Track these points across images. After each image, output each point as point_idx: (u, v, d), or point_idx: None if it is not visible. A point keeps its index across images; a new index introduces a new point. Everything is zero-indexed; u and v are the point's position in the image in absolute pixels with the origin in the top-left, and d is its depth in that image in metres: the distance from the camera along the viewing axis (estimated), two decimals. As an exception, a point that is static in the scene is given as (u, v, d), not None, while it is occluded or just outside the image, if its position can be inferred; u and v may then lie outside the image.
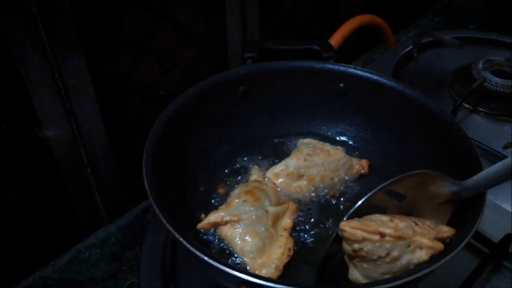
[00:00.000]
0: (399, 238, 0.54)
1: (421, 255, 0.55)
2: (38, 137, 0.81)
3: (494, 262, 0.79)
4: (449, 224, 0.63)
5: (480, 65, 1.10)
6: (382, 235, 0.54)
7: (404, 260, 0.55)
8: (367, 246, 0.55)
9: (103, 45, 0.82)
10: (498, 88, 1.06)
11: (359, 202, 0.59)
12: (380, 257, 0.55)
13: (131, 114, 0.94)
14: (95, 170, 0.90)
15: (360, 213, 0.60)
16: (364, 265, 0.57)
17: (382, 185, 0.59)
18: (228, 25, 1.00)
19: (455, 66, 1.19)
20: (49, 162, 0.85)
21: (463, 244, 0.54)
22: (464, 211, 0.62)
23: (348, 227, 0.55)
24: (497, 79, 1.07)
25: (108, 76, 0.85)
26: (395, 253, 0.55)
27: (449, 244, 0.58)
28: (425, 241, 0.55)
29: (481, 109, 1.07)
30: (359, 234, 0.54)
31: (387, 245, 0.54)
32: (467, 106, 1.08)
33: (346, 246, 0.57)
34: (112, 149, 0.91)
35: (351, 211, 0.59)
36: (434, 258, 0.56)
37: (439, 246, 0.56)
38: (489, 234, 0.80)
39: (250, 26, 1.04)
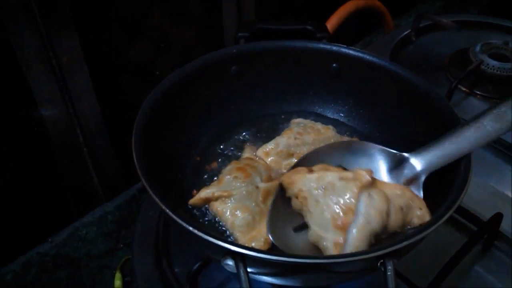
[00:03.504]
0: (327, 169, 0.59)
1: (351, 187, 0.57)
2: (33, 116, 0.82)
3: (485, 241, 0.80)
4: (434, 200, 0.63)
5: (478, 48, 1.10)
6: (311, 170, 0.59)
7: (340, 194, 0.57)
8: (304, 185, 0.59)
9: (97, 24, 0.83)
10: (495, 71, 1.06)
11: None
12: (318, 194, 0.58)
13: (127, 93, 0.94)
14: (91, 149, 0.92)
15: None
16: (311, 210, 0.59)
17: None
18: (224, 6, 1.00)
19: (453, 49, 1.18)
20: (45, 141, 0.86)
21: (445, 217, 0.54)
22: (449, 188, 0.62)
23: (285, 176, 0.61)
24: (494, 62, 1.06)
25: (103, 55, 0.86)
26: (328, 185, 0.58)
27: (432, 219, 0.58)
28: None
29: (478, 92, 1.07)
30: (293, 176, 0.59)
31: (320, 181, 0.58)
32: (463, 89, 1.08)
33: (289, 194, 0.61)
34: (108, 128, 0.93)
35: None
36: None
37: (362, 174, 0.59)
38: (481, 214, 0.80)
39: (246, 8, 1.04)
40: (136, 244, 0.81)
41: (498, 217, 0.77)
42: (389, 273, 0.49)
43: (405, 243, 0.52)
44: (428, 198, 0.65)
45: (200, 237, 0.52)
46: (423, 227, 0.54)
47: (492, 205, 0.82)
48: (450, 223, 0.82)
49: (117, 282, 0.93)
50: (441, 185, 0.64)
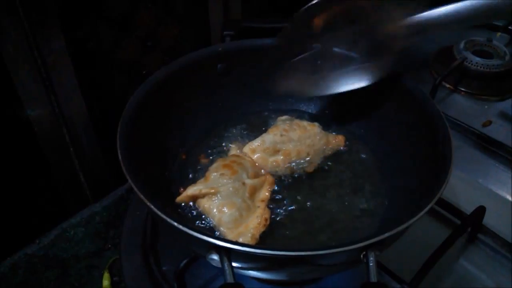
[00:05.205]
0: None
1: None
2: (19, 116, 0.82)
3: (469, 235, 0.81)
4: (416, 193, 0.64)
5: (462, 45, 1.11)
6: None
7: None
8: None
9: (83, 23, 0.83)
10: (479, 67, 1.07)
11: None
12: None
13: (113, 92, 0.94)
14: (77, 149, 0.92)
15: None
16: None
17: None
18: (210, 4, 1.00)
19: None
20: (31, 141, 0.85)
21: (426, 209, 0.55)
22: (431, 180, 0.63)
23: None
24: (477, 59, 1.08)
25: (88, 55, 0.86)
26: None
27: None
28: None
29: (462, 89, 1.09)
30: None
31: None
32: (448, 85, 1.10)
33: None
34: (95, 128, 0.92)
35: None
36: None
37: None
38: (464, 208, 0.81)
39: (232, 6, 1.05)
40: (124, 243, 0.81)
41: (481, 210, 0.78)
42: (371, 264, 0.50)
43: (386, 234, 0.53)
44: (410, 191, 0.66)
45: (185, 232, 0.53)
46: (404, 219, 0.54)
47: (475, 199, 0.83)
48: (434, 217, 0.83)
49: (105, 282, 0.92)
50: (423, 178, 0.65)
